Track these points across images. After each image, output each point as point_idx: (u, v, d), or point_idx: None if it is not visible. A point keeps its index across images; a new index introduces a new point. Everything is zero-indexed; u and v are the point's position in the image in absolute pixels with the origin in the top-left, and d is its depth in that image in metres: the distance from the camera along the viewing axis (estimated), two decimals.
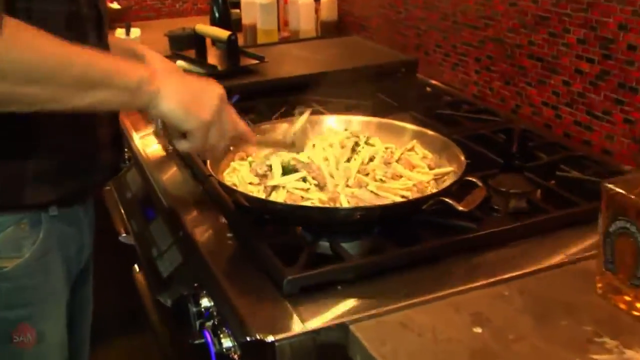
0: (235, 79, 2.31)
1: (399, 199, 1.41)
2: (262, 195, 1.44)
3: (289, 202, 1.41)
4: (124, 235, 2.06)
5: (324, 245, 1.37)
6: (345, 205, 1.37)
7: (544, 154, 1.81)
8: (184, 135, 1.24)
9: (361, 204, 1.38)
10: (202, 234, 1.51)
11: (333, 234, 1.38)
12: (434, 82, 2.51)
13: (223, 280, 1.32)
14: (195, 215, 1.60)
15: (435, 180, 1.53)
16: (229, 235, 1.45)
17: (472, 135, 1.92)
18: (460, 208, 1.37)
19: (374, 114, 2.04)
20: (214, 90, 1.23)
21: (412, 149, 1.67)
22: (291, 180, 1.44)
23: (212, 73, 2.29)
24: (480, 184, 1.47)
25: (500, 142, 1.90)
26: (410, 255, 1.34)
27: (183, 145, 1.27)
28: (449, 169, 1.56)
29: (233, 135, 1.31)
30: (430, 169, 1.57)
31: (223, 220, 1.50)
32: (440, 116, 2.12)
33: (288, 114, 2.03)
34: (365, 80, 2.30)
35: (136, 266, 2.02)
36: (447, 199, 1.39)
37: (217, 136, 1.25)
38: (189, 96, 1.18)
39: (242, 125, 1.34)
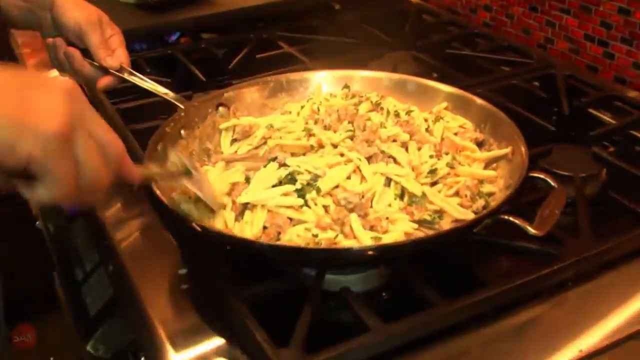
0: (173, 12, 1.75)
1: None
2: (231, 217, 0.95)
3: (271, 231, 0.92)
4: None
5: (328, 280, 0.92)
6: (364, 241, 0.88)
7: (605, 114, 1.33)
8: (24, 174, 0.70)
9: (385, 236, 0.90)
10: (139, 262, 1.03)
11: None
12: (430, 6, 1.98)
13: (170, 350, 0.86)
14: (133, 228, 1.12)
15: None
16: (181, 272, 1.00)
17: (501, 87, 1.44)
18: (533, 231, 0.90)
19: (364, 58, 1.55)
20: (54, 85, 0.71)
21: (438, 115, 1.18)
22: (275, 195, 0.93)
23: (142, 3, 1.72)
24: (554, 183, 0.99)
25: (542, 98, 1.41)
26: (467, 310, 0.86)
27: (36, 193, 0.72)
28: (502, 151, 1.08)
29: (114, 154, 0.77)
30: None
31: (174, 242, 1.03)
32: (451, 58, 1.62)
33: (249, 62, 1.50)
34: (346, 8, 1.76)
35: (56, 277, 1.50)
36: (510, 218, 0.91)
37: (88, 158, 0.72)
38: (8, 98, 0.68)
39: (115, 144, 0.78)
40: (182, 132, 1.16)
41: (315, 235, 0.90)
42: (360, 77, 1.31)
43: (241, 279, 0.92)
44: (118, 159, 0.76)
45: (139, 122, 1.32)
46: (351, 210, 0.94)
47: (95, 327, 1.16)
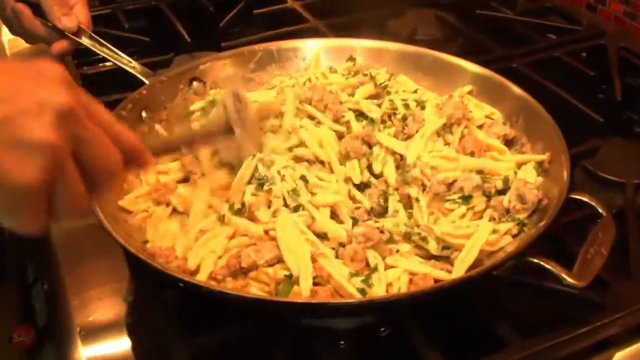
0: None
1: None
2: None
3: (232, 262, 0.72)
4: None
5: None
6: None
7: None
8: None
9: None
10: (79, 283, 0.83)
11: None
12: None
13: None
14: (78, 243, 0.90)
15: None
16: (128, 299, 0.80)
17: (539, 60, 1.18)
18: (571, 281, 0.68)
19: (381, 16, 1.31)
20: (39, 85, 0.55)
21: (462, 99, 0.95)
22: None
23: None
24: (602, 210, 0.76)
25: (589, 77, 1.15)
26: None
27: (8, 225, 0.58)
28: (536, 156, 0.87)
29: (107, 168, 0.59)
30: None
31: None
32: (482, 20, 1.36)
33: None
34: None
35: None
36: (541, 262, 0.69)
37: (69, 193, 0.57)
38: None
39: (126, 137, 0.62)
40: (143, 114, 0.95)
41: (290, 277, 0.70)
42: (366, 48, 1.08)
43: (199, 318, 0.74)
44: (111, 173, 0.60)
45: (105, 92, 1.10)
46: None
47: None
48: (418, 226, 0.78)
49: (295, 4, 1.44)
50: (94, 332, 0.77)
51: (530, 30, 1.35)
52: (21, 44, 1.24)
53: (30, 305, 1.05)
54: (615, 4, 1.39)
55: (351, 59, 1.06)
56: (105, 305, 0.81)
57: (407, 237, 0.76)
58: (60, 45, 1.06)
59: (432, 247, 0.76)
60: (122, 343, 0.76)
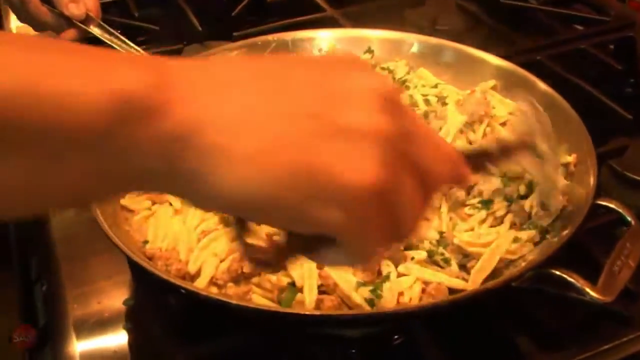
0: None
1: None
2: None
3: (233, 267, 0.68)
4: None
5: None
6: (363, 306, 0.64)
7: None
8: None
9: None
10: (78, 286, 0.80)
11: None
12: None
13: None
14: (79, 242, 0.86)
15: None
16: (127, 304, 0.77)
17: (564, 53, 1.13)
18: (596, 295, 0.63)
19: (400, 5, 1.27)
20: (361, 103, 0.40)
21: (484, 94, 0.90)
22: None
23: None
24: (630, 218, 0.71)
25: (617, 71, 1.10)
26: None
27: (324, 259, 0.46)
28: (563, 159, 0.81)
29: (441, 173, 0.45)
30: None
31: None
32: (505, 9, 1.30)
33: None
34: None
35: None
36: (563, 274, 0.65)
37: (407, 207, 0.42)
38: (298, 125, 0.38)
39: (450, 154, 0.47)
40: None
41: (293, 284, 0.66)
42: (384, 39, 1.03)
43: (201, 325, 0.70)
44: (444, 180, 0.46)
45: None
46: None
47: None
48: (439, 240, 0.73)
49: (335, 13, 1.39)
50: (90, 327, 0.74)
51: (554, 21, 1.29)
52: (29, 32, 1.21)
53: (32, 304, 1.03)
54: None
55: (369, 50, 1.02)
56: (103, 300, 0.78)
57: (429, 255, 0.71)
58: (68, 35, 1.03)
59: (455, 269, 0.71)
60: (119, 338, 0.73)
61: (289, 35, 1.05)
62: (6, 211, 0.41)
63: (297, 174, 0.38)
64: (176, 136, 0.36)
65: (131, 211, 0.79)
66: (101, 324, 0.74)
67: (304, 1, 1.38)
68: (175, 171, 0.37)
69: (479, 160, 0.57)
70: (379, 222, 0.41)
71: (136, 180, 0.39)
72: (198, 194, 0.39)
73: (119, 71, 0.36)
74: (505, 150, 0.61)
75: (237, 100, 0.38)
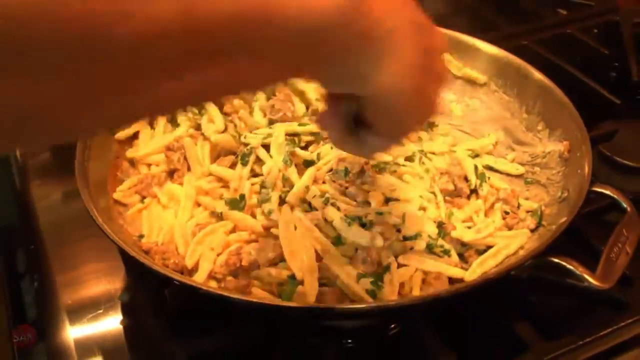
0: None
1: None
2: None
3: (231, 260, 0.68)
4: None
5: None
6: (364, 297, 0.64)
7: None
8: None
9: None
10: (70, 281, 0.79)
11: None
12: None
13: None
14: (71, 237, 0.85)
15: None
16: (122, 299, 0.76)
17: (551, 38, 1.13)
18: (595, 282, 0.64)
19: None
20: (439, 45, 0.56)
21: None
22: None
23: None
24: (626, 204, 0.72)
25: (605, 56, 1.11)
26: None
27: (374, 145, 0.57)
28: (552, 147, 0.82)
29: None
30: None
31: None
32: None
33: None
34: None
35: None
36: (562, 262, 0.65)
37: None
38: (422, 58, 0.51)
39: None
40: None
41: (293, 277, 0.65)
42: None
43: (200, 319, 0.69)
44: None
45: None
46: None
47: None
48: (439, 232, 0.73)
49: None
50: (82, 313, 0.74)
51: (540, 5, 1.29)
52: None
53: (20, 297, 1.02)
54: None
55: None
56: (94, 287, 0.77)
57: (429, 248, 0.71)
58: None
59: (454, 259, 0.71)
60: (112, 322, 0.73)
61: None
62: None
63: (416, 88, 0.50)
64: (372, 34, 0.46)
65: (124, 205, 0.78)
66: (96, 316, 0.74)
67: None
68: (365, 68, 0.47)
69: None
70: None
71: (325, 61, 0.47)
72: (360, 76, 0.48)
73: None
74: None
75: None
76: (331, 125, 0.56)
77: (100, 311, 0.74)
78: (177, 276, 0.65)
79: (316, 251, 0.68)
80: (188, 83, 0.40)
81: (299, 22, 0.42)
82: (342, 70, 0.48)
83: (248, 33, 0.40)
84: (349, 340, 0.70)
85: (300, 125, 0.83)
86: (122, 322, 0.72)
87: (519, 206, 0.78)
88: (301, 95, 0.88)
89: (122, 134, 0.84)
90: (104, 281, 0.78)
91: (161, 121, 0.87)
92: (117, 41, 0.35)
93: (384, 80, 0.48)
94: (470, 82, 0.94)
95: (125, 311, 0.74)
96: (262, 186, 0.75)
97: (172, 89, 0.39)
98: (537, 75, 0.88)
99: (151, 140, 0.84)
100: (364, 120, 0.54)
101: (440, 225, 0.73)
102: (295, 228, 0.69)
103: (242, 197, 0.75)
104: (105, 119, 0.41)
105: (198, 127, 0.85)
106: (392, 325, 0.71)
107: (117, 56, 0.35)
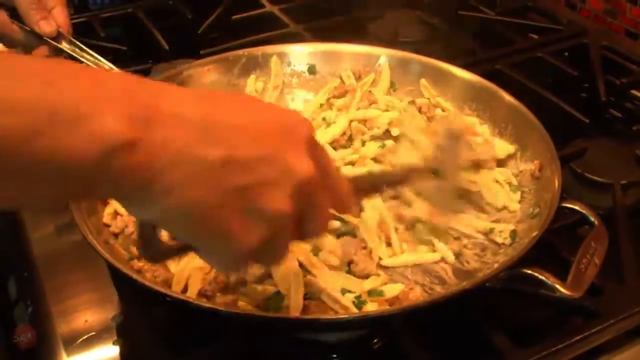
0: None
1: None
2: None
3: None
4: None
5: None
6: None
7: None
8: None
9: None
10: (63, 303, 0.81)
11: None
12: None
13: None
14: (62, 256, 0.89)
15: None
16: (116, 321, 0.77)
17: (523, 62, 1.18)
18: (566, 292, 0.68)
19: (361, 19, 1.31)
20: (287, 149, 0.52)
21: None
22: None
23: None
24: (594, 218, 0.76)
25: (573, 76, 1.15)
26: None
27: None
28: (524, 166, 0.88)
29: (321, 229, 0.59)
30: None
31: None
32: (463, 20, 1.35)
33: None
34: None
35: None
36: (535, 273, 0.69)
37: (283, 246, 0.57)
38: (223, 196, 0.49)
39: (342, 188, 0.59)
40: None
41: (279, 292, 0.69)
42: (352, 52, 1.06)
43: (190, 335, 0.72)
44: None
45: None
46: None
47: None
48: None
49: (273, 8, 1.42)
50: (79, 345, 0.75)
51: (511, 30, 1.33)
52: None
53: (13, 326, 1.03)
54: (595, 2, 1.39)
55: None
56: (90, 316, 0.79)
57: None
58: (40, 51, 1.03)
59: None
60: (109, 352, 0.74)
61: (259, 50, 1.07)
62: None
63: (211, 229, 0.49)
64: (142, 169, 0.45)
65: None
66: (90, 341, 0.76)
67: (267, 17, 1.40)
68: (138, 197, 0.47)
69: (377, 184, 0.68)
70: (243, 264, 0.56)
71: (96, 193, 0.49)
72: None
73: (102, 121, 0.43)
74: (406, 176, 0.72)
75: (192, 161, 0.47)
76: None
77: (94, 333, 0.77)
78: (168, 291, 0.68)
79: (302, 264, 0.72)
80: None
81: (50, 162, 0.43)
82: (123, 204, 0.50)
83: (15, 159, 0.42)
84: (334, 355, 0.73)
85: None
86: (116, 343, 0.75)
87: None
88: None
89: None
90: (98, 307, 0.81)
91: None
92: None
93: (163, 219, 0.49)
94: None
95: (119, 330, 0.77)
96: None
97: None
98: (508, 97, 0.92)
99: None
100: None
101: None
102: None
103: None
104: None
105: None
106: (375, 340, 0.74)
107: None
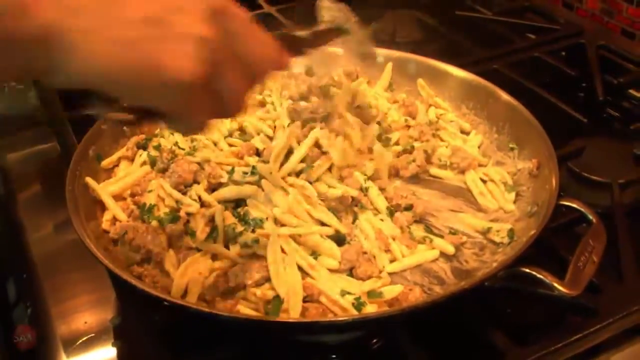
0: None
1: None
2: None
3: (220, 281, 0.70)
4: None
5: None
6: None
7: None
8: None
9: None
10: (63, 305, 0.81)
11: None
12: None
13: None
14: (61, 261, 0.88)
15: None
16: (114, 322, 0.78)
17: (520, 61, 1.18)
18: (564, 290, 0.68)
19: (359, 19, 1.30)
20: (191, 9, 0.54)
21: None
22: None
23: None
24: (592, 216, 0.76)
25: (572, 77, 1.16)
26: None
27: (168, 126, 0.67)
28: (522, 164, 0.88)
29: (266, 58, 0.60)
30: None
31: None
32: (461, 21, 1.35)
33: None
34: None
35: None
36: (533, 272, 0.69)
37: (229, 90, 0.57)
38: (136, 29, 0.51)
39: (270, 48, 0.60)
40: (125, 128, 0.93)
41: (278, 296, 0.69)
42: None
43: (189, 339, 0.72)
44: (266, 69, 0.60)
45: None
46: None
47: None
48: None
49: (271, 9, 1.42)
50: (76, 339, 0.76)
51: (508, 30, 1.34)
52: None
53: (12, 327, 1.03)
54: (592, 2, 1.39)
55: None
56: (89, 318, 0.79)
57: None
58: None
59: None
60: (105, 346, 0.75)
61: None
62: None
63: (129, 68, 0.50)
64: (40, 36, 0.48)
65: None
66: (89, 342, 0.76)
67: (265, 18, 1.40)
68: (42, 59, 0.49)
69: (296, 46, 0.71)
70: (200, 105, 0.54)
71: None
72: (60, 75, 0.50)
73: None
74: (318, 37, 0.77)
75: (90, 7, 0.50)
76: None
77: (93, 335, 0.77)
78: (168, 297, 0.68)
79: (301, 267, 0.72)
80: None
81: None
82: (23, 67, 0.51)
83: None
84: (333, 356, 0.73)
85: None
86: (115, 344, 0.75)
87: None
88: None
89: (106, 163, 0.88)
90: (96, 308, 0.81)
91: (138, 158, 0.90)
92: None
93: (80, 69, 0.50)
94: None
95: (118, 333, 0.77)
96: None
97: None
98: (506, 97, 0.92)
99: (125, 176, 0.87)
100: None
101: None
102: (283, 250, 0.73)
103: (214, 229, 0.78)
104: None
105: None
106: (375, 340, 0.74)
107: None
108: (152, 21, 0.50)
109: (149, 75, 0.50)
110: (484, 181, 0.87)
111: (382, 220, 0.79)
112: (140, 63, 0.50)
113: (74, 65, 0.49)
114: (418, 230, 0.79)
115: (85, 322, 0.79)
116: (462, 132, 0.96)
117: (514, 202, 0.85)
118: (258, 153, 0.89)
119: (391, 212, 0.81)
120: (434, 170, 0.88)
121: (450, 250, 0.77)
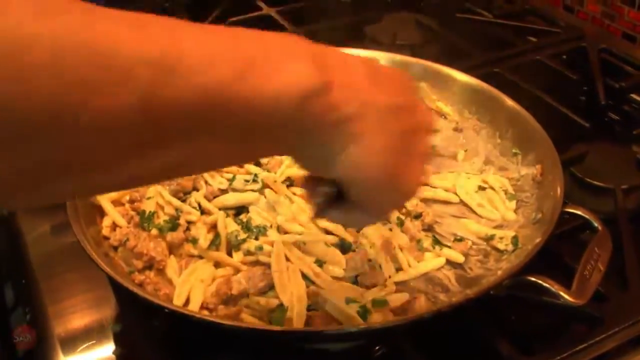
0: None
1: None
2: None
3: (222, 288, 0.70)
4: None
5: None
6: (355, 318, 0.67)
7: None
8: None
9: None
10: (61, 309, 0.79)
11: None
12: None
13: None
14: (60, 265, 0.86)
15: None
16: (114, 329, 0.76)
17: (521, 65, 1.18)
18: (570, 299, 0.67)
19: (359, 22, 1.30)
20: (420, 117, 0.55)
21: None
22: None
23: None
24: (597, 224, 0.75)
25: (573, 80, 1.15)
26: None
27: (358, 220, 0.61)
28: (526, 170, 0.87)
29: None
30: None
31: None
32: (461, 23, 1.34)
33: None
34: None
35: None
36: (539, 280, 0.69)
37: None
38: (397, 140, 0.51)
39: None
40: None
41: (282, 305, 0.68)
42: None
43: (190, 347, 0.71)
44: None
45: None
46: None
47: None
48: None
49: (271, 11, 1.41)
50: (75, 344, 0.75)
51: (509, 33, 1.33)
52: None
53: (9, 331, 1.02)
54: (593, 5, 1.39)
55: None
56: (88, 319, 0.78)
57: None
58: None
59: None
60: (105, 353, 0.74)
61: None
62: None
63: (388, 173, 0.50)
64: (340, 119, 0.46)
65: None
66: (89, 347, 0.75)
67: (265, 20, 1.39)
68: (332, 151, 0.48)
69: None
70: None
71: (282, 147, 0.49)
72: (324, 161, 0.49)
73: (290, 69, 0.44)
74: None
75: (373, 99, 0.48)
76: (310, 202, 0.58)
77: (93, 342, 0.76)
78: (170, 305, 0.67)
79: (305, 274, 0.71)
80: (154, 161, 0.42)
81: (252, 107, 0.42)
82: (304, 153, 0.49)
83: (206, 118, 0.42)
84: None
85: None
86: (115, 352, 0.74)
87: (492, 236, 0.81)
88: None
89: None
90: (95, 311, 0.80)
91: None
92: (79, 128, 0.37)
93: (348, 166, 0.48)
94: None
95: (118, 341, 0.76)
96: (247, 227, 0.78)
97: (139, 167, 0.42)
98: (509, 101, 0.91)
99: None
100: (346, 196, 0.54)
101: None
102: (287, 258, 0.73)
103: (216, 236, 0.78)
104: (77, 191, 0.45)
105: None
106: (377, 347, 0.73)
107: (81, 141, 0.38)
108: (407, 134, 0.51)
109: (389, 183, 0.51)
110: (483, 188, 0.87)
111: (390, 230, 0.79)
112: (390, 171, 0.50)
113: (344, 160, 0.48)
114: (427, 242, 0.78)
115: (85, 325, 0.78)
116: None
117: (518, 208, 0.84)
118: (258, 162, 0.88)
119: (401, 222, 0.80)
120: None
121: (461, 259, 0.77)
